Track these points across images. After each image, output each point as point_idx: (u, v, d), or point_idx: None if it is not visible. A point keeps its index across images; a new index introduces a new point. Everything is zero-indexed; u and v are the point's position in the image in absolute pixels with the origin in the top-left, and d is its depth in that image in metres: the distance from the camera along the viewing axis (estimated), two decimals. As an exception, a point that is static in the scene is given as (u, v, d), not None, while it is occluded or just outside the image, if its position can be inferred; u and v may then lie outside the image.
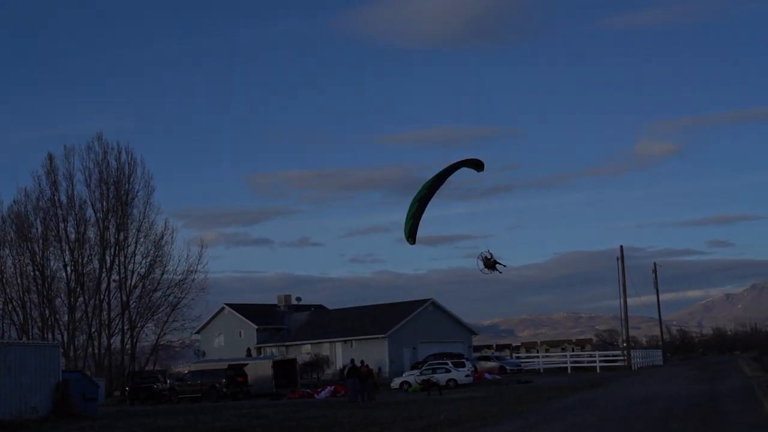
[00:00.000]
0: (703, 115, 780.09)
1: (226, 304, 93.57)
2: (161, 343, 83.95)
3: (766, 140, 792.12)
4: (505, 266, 36.20)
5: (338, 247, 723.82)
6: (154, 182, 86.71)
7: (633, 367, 79.43)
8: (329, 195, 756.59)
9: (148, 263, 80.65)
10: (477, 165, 29.06)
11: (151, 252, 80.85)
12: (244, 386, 58.05)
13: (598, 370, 77.20)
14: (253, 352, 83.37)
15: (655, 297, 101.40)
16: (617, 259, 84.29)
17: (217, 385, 57.24)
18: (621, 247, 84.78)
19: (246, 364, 61.86)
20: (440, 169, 28.96)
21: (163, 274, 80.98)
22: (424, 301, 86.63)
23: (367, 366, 48.89)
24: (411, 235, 29.21)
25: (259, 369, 61.38)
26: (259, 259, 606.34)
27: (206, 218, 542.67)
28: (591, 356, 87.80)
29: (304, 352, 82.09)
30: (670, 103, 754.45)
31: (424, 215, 28.93)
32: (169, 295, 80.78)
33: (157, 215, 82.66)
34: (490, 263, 35.84)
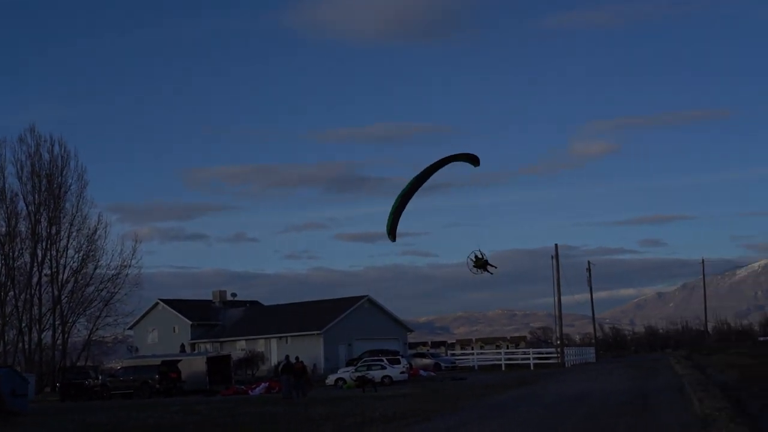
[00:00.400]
0: (637, 116, 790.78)
1: (160, 300, 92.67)
2: (93, 338, 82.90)
3: (698, 141, 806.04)
4: (495, 267, 36.42)
5: (274, 243, 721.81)
6: (88, 176, 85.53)
7: (566, 365, 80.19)
8: (266, 191, 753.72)
9: (80, 258, 79.58)
10: (472, 160, 28.73)
11: (84, 246, 79.78)
12: (178, 382, 57.57)
13: (532, 368, 77.76)
14: (187, 348, 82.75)
15: (588, 295, 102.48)
16: (552, 257, 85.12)
17: (150, 381, 56.70)
18: (556, 245, 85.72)
19: (179, 360, 61.38)
20: (432, 162, 28.72)
21: (96, 268, 80.00)
22: (360, 297, 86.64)
23: (301, 362, 48.81)
24: (390, 231, 28.86)
25: (193, 365, 60.92)
26: (194, 255, 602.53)
27: (141, 213, 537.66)
28: (525, 354, 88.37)
29: (238, 348, 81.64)
30: (604, 103, 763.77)
31: (410, 205, 29.10)
32: (101, 290, 79.84)
33: (91, 209, 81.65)
34: (481, 263, 36.18)
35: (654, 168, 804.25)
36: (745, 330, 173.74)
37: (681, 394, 31.98)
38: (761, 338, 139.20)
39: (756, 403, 23.58)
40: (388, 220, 28.86)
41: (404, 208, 28.87)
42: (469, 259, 36.96)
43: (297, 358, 49.18)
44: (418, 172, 29.05)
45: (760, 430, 18.47)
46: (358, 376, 51.48)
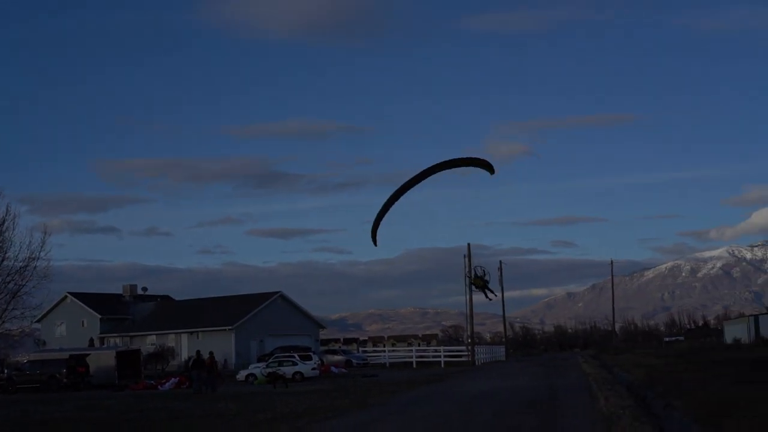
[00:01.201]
0: (552, 119, 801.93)
1: (69, 293, 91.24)
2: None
3: (611, 145, 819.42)
4: (495, 296, 38.52)
5: (187, 237, 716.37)
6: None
7: (477, 363, 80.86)
8: (180, 185, 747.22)
9: (-14, 249, 77.71)
10: (488, 168, 26.89)
11: (-9, 237, 77.92)
12: (86, 377, 56.72)
13: (442, 365, 78.25)
14: (96, 342, 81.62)
15: (500, 294, 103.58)
16: (464, 256, 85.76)
17: (58, 376, 55.76)
18: (468, 244, 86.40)
19: (88, 355, 60.48)
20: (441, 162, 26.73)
21: (2, 260, 78.21)
22: (273, 293, 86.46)
23: (212, 357, 48.55)
24: (372, 236, 27.79)
25: (102, 359, 60.07)
26: (106, 248, 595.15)
27: (51, 204, 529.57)
28: (436, 351, 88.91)
29: (148, 342, 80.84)
30: (520, 105, 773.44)
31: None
32: (9, 283, 78.05)
33: (-2, 200, 79.83)
34: (481, 284, 37.26)
35: (566, 170, 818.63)
36: (652, 330, 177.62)
37: (588, 393, 32.51)
38: (667, 339, 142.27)
39: (660, 402, 24.08)
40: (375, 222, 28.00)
41: (386, 212, 28.06)
42: (471, 274, 37.63)
43: (211, 354, 48.95)
44: (419, 170, 27.46)
45: (663, 429, 18.89)
46: (269, 372, 51.29)
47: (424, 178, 26.84)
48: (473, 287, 39.78)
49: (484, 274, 41.10)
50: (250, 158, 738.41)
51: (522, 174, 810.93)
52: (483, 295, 39.56)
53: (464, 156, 26.46)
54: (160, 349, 77.13)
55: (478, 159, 26.77)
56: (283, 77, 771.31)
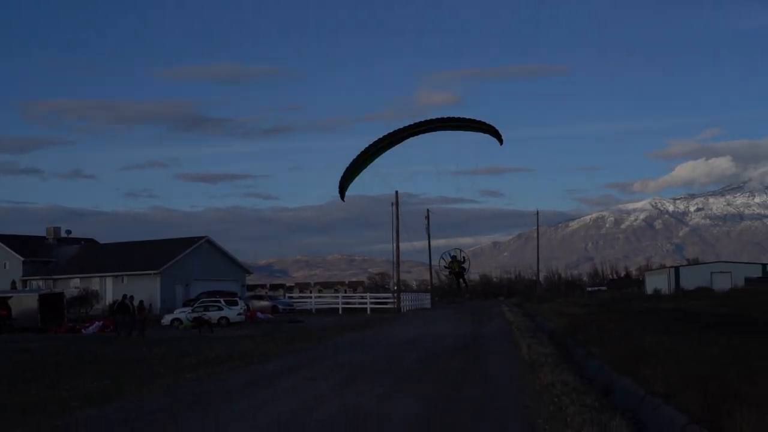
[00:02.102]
0: (482, 68, 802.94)
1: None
2: None
3: (538, 96, 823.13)
4: (466, 286, 40.09)
5: (113, 180, 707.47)
6: None
7: (402, 310, 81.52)
8: (106, 127, 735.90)
9: None
10: (497, 136, 25.60)
11: None
12: (8, 320, 55.94)
13: (369, 312, 78.74)
14: (19, 285, 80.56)
15: (426, 242, 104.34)
16: (392, 204, 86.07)
17: (-22, 318, 54.95)
18: (396, 192, 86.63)
19: (10, 297, 59.66)
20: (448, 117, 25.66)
21: None
22: (199, 238, 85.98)
23: (140, 302, 48.31)
24: (341, 189, 27.22)
25: (24, 302, 59.26)
26: (29, 190, 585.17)
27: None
28: (363, 298, 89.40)
29: (72, 286, 79.95)
30: (450, 54, 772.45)
31: None
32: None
33: None
34: (456, 268, 36.62)
35: (494, 120, 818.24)
36: (575, 280, 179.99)
37: (511, 341, 33.02)
38: (590, 289, 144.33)
39: (581, 350, 24.56)
40: (350, 173, 26.86)
41: (360, 165, 26.58)
42: (442, 258, 37.21)
43: (131, 297, 48.62)
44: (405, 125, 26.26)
45: (582, 376, 19.28)
46: (195, 317, 51.17)
47: (419, 133, 25.87)
48: (448, 270, 39.08)
49: (463, 261, 40.70)
50: (178, 102, 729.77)
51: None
52: (455, 280, 39.23)
53: (474, 118, 25.55)
54: (84, 292, 76.37)
55: (489, 125, 25.43)
56: (212, 20, 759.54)
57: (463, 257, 39.34)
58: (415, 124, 25.63)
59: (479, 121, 25.21)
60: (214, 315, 55.56)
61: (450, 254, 38.19)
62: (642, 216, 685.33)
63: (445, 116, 25.41)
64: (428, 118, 25.43)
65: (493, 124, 25.37)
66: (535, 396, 16.18)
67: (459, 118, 25.24)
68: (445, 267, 38.24)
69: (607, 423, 11.96)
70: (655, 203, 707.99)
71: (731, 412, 10.86)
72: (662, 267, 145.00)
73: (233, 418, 14.71)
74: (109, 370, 24.58)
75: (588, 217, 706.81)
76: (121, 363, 27.31)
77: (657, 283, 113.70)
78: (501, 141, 25.63)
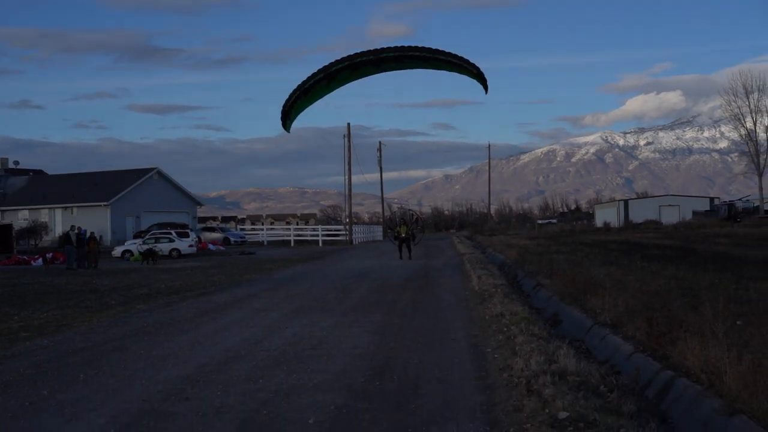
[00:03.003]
0: (437, 1, 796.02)
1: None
2: None
3: (493, 28, 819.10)
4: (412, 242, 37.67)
5: (62, 111, 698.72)
6: None
7: (354, 242, 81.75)
8: (53, 56, 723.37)
9: None
10: (483, 84, 23.34)
11: None
12: (-45, 251, 55.48)
13: (320, 244, 78.92)
14: (-35, 217, 79.66)
15: (378, 175, 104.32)
16: (344, 136, 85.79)
17: (-75, 250, 54.37)
18: (348, 124, 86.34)
19: (-43, 229, 59.05)
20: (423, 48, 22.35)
21: None
22: (150, 170, 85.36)
23: (92, 233, 48.02)
24: (284, 117, 24.24)
25: (-28, 234, 58.76)
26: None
27: None
28: (314, 230, 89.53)
29: (21, 218, 79.20)
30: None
31: None
32: None
33: None
34: (404, 233, 35.74)
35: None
36: (526, 213, 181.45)
37: (461, 272, 33.26)
38: (540, 221, 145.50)
39: (530, 281, 24.80)
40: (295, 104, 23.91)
41: (308, 97, 23.70)
42: (391, 228, 35.71)
43: (91, 232, 48.26)
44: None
45: (531, 306, 19.50)
46: (146, 249, 50.89)
47: (394, 66, 23.27)
48: (393, 239, 37.88)
49: (416, 221, 39.10)
50: (129, 31, 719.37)
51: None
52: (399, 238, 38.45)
53: (463, 58, 22.44)
54: (33, 224, 75.69)
55: (478, 70, 22.85)
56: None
57: (415, 218, 38.46)
58: (393, 49, 22.38)
59: (470, 64, 22.51)
60: (165, 247, 55.37)
61: (399, 217, 36.49)
62: (593, 150, 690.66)
63: (427, 47, 22.27)
64: (407, 46, 22.18)
65: (480, 68, 22.79)
66: (484, 326, 16.34)
67: (443, 52, 22.16)
68: (395, 239, 37.24)
69: (554, 352, 12.10)
70: (606, 137, 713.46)
71: (676, 341, 11.04)
72: (612, 200, 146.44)
73: (183, 347, 14.72)
74: (58, 301, 24.45)
75: (539, 151, 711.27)
76: (71, 294, 27.17)
77: (606, 216, 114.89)
78: (486, 89, 23.56)
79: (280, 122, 24.72)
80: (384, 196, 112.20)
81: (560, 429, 8.23)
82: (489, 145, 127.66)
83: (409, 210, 38.47)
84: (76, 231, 47.24)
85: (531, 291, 23.07)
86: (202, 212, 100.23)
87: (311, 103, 24.64)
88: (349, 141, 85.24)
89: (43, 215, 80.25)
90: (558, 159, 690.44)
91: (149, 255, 48.38)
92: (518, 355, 12.21)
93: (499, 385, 10.72)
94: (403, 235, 38.97)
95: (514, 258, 35.81)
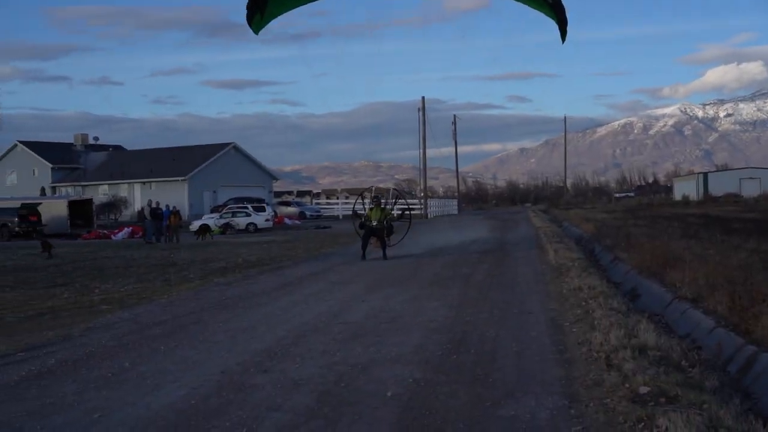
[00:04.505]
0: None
1: (20, 141, 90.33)
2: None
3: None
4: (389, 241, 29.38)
5: (140, 87, 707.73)
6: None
7: (429, 216, 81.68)
8: (133, 33, 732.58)
9: (-67, 95, 76.19)
10: (563, 32, 19.36)
11: (-63, 83, 76.24)
12: (38, 225, 56.53)
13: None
14: (48, 191, 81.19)
15: (453, 149, 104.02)
16: (419, 110, 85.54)
17: (9, 224, 55.51)
18: (423, 98, 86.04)
19: (40, 203, 60.16)
20: None
21: (-51, 106, 76.87)
22: (226, 144, 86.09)
23: (173, 207, 48.79)
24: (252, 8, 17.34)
25: (54, 208, 59.81)
26: (56, 97, 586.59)
27: (1, 51, 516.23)
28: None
29: (101, 192, 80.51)
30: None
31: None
32: (-44, 128, 76.91)
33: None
34: (374, 220, 28.13)
35: (523, 25, 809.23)
36: (602, 187, 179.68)
37: (537, 246, 33.02)
38: (617, 195, 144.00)
39: (607, 255, 24.55)
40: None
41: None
42: (358, 217, 30.74)
43: (173, 206, 48.95)
44: None
45: (608, 280, 19.29)
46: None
47: None
48: (360, 226, 29.32)
49: (396, 201, 34.04)
50: (205, 7, 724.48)
51: (480, 28, 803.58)
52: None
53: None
54: (112, 199, 76.91)
55: (564, 17, 19.70)
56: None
57: (395, 200, 33.13)
58: None
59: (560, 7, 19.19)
60: (242, 221, 55.92)
61: (372, 198, 29.68)
62: (671, 122, 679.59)
63: None
64: None
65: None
66: (561, 300, 16.20)
67: None
68: (361, 227, 29.39)
69: (634, 326, 11.95)
70: (685, 109, 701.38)
71: (759, 315, 10.83)
72: (690, 173, 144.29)
73: (260, 320, 14.84)
74: (138, 275, 24.82)
75: (616, 123, 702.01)
76: (151, 267, 27.57)
77: (685, 189, 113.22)
78: (564, 38, 22.36)
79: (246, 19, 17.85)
80: (458, 169, 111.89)
81: (641, 404, 8.13)
82: (565, 118, 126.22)
83: (394, 189, 30.43)
84: (154, 205, 47.91)
85: (608, 265, 22.84)
86: (277, 186, 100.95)
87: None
88: (423, 115, 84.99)
89: (123, 190, 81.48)
90: (635, 131, 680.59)
91: (203, 231, 48.64)
92: (597, 330, 12.08)
93: (578, 360, 10.61)
94: (374, 224, 28.44)
95: (591, 232, 35.48)
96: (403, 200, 37.01)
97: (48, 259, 33.11)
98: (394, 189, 30.37)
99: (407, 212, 34.69)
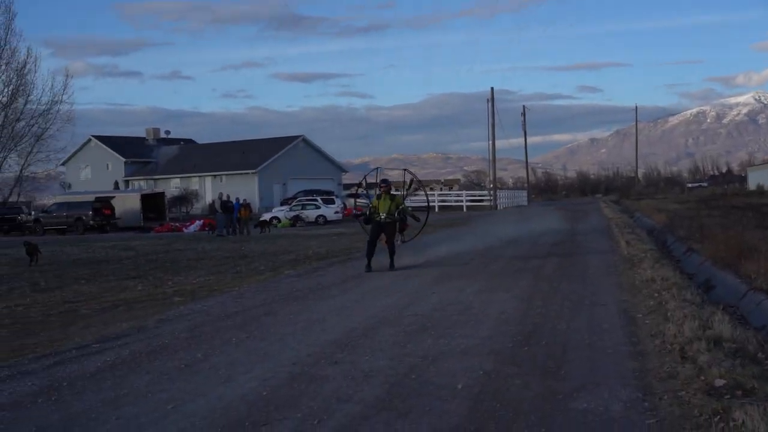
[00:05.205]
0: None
1: (93, 136, 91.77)
2: (25, 174, 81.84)
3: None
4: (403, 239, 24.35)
5: (210, 81, 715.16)
6: (16, 6, 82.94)
7: (499, 207, 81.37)
8: (202, 28, 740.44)
9: (10, 92, 77.56)
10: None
11: (14, 80, 77.55)
12: (112, 219, 57.46)
13: (464, 210, 78.76)
14: (121, 185, 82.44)
15: (522, 140, 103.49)
16: (488, 101, 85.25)
17: (84, 218, 56.48)
18: (492, 89, 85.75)
19: (113, 197, 61.12)
20: None
21: (26, 103, 78.18)
22: (296, 137, 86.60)
23: (244, 200, 49.33)
24: None
25: (127, 202, 60.73)
26: (129, 92, 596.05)
27: (74, 48, 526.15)
28: (458, 196, 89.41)
29: (172, 186, 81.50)
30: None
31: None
32: (33, 126, 78.23)
33: (20, 42, 79.26)
34: (379, 214, 22.18)
35: (592, 14, 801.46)
36: (675, 177, 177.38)
37: (609, 237, 32.68)
38: (690, 185, 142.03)
39: (680, 246, 24.21)
40: None
41: None
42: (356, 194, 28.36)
43: (244, 199, 49.39)
44: None
45: (682, 271, 19.01)
46: (294, 215, 51.65)
47: None
48: (360, 222, 25.30)
49: (409, 190, 28.21)
50: (273, 0, 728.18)
51: (548, 18, 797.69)
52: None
53: None
54: (184, 192, 77.80)
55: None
56: None
57: (410, 183, 26.99)
58: None
59: None
60: (311, 213, 56.22)
61: (380, 184, 23.46)
62: (745, 110, 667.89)
63: None
64: None
65: None
66: (634, 292, 16.00)
67: None
68: (366, 222, 23.47)
69: (708, 318, 11.75)
70: (759, 97, 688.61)
71: (839, 307, 10.59)
72: (765, 162, 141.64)
73: (330, 312, 14.88)
74: (210, 267, 25.08)
75: (688, 112, 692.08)
76: (222, 260, 27.84)
77: (760, 178, 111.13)
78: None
79: None
80: (528, 160, 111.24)
81: (717, 396, 7.99)
82: (636, 108, 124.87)
83: (407, 172, 23.63)
84: (225, 198, 48.40)
85: (682, 256, 22.52)
86: (346, 179, 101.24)
87: None
88: (492, 106, 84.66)
89: (194, 183, 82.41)
90: (708, 120, 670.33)
91: (263, 224, 49.16)
92: (670, 321, 11.90)
93: (651, 352, 10.47)
94: (382, 218, 22.41)
95: (664, 222, 35.02)
96: (421, 190, 32.20)
97: (33, 264, 28.05)
98: (407, 171, 26.78)
99: (424, 208, 29.75)
